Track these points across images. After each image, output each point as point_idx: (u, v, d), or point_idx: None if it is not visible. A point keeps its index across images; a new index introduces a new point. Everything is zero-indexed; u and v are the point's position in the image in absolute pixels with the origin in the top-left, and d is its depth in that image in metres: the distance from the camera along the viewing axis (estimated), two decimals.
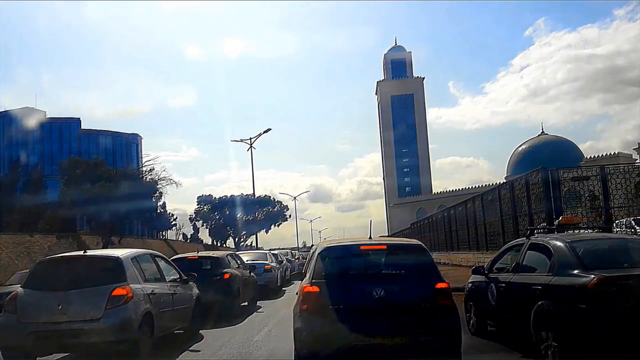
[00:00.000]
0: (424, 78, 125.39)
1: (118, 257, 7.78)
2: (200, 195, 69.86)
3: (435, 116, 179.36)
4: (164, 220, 54.97)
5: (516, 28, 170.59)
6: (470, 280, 8.79)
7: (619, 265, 6.22)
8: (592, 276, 5.68)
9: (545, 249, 6.81)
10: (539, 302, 6.27)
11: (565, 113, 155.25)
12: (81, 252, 8.14)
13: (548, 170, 13.66)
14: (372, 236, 6.78)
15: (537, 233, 8.30)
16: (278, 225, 71.92)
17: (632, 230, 13.20)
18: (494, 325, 8.00)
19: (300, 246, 69.19)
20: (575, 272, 6.03)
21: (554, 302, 6.10)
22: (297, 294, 6.56)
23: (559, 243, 6.64)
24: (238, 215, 65.01)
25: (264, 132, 41.27)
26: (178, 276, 9.32)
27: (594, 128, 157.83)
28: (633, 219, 13.57)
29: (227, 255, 13.69)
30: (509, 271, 7.54)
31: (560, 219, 9.10)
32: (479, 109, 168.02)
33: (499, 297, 7.53)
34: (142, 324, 7.29)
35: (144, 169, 46.14)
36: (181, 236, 65.52)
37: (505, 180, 39.85)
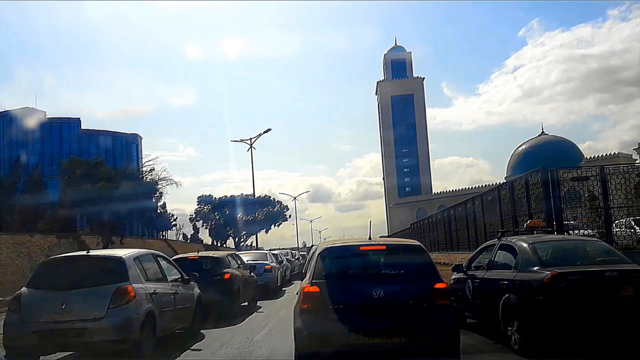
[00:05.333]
0: (424, 78, 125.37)
1: (120, 257, 7.85)
2: (201, 195, 69.86)
3: (430, 116, 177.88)
4: (164, 221, 55.05)
5: (510, 28, 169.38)
6: (451, 277, 9.43)
7: (573, 263, 7.09)
8: (548, 272, 6.60)
9: (512, 249, 7.69)
10: (506, 295, 7.13)
11: (562, 113, 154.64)
12: (84, 252, 8.21)
13: (547, 170, 13.65)
14: (371, 236, 6.83)
15: (507, 235, 9.17)
16: (278, 226, 71.95)
17: (632, 230, 13.23)
18: (471, 317, 8.73)
19: (300, 246, 69.23)
20: (535, 268, 6.90)
21: (518, 295, 6.91)
22: (297, 293, 6.61)
23: (523, 244, 7.54)
24: (238, 216, 64.94)
25: (264, 132, 41.34)
26: (179, 276, 9.38)
27: (591, 128, 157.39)
28: (633, 219, 13.59)
29: (227, 256, 13.74)
30: (483, 268, 8.35)
31: (529, 222, 10.14)
32: (474, 110, 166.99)
33: (474, 292, 8.38)
34: (145, 324, 7.35)
35: (144, 169, 46.13)
36: (181, 236, 65.50)
37: (505, 181, 39.92)
